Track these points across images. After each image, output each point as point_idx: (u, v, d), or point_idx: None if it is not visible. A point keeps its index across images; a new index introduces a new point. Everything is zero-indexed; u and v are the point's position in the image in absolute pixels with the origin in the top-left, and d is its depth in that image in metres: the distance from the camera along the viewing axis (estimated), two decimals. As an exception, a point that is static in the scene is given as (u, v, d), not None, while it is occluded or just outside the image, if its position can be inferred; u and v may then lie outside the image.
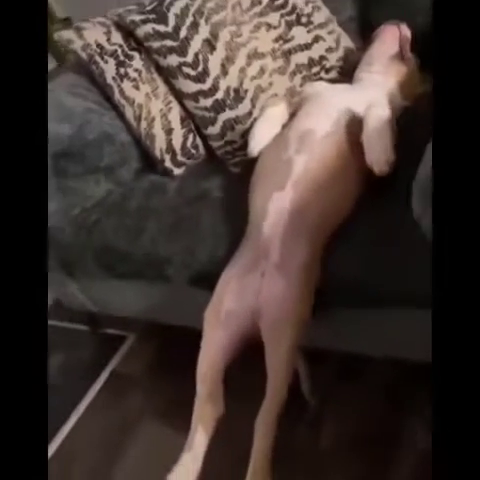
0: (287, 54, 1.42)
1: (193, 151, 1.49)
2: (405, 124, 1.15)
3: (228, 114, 1.36)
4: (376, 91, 1.23)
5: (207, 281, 1.19)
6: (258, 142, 1.22)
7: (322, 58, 1.44)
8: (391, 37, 1.33)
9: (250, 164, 1.34)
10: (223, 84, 1.35)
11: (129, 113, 1.45)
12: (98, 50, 1.43)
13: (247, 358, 1.07)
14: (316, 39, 1.44)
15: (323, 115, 1.15)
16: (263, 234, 1.06)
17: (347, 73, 1.43)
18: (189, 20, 1.35)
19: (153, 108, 1.45)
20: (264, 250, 1.05)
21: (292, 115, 1.25)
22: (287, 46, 1.42)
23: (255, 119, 1.36)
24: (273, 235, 1.05)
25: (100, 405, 1.63)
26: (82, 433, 1.57)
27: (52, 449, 1.54)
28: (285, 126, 1.23)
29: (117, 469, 1.42)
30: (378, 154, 1.04)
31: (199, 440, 1.04)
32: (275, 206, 1.07)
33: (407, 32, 1.33)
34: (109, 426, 1.55)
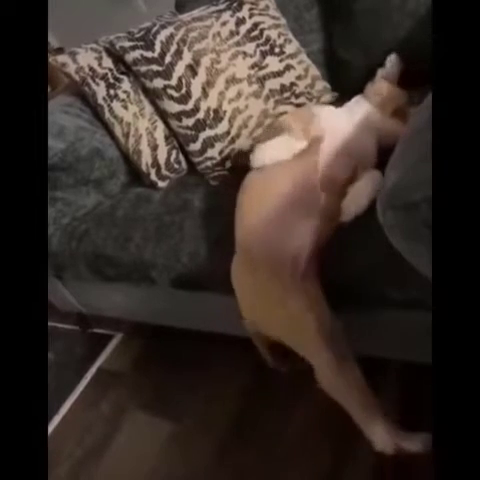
0: (261, 80, 1.46)
1: (176, 166, 1.54)
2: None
3: (208, 133, 1.41)
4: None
5: (188, 283, 1.25)
6: (262, 158, 1.23)
7: (292, 84, 1.48)
8: None
9: (227, 178, 1.42)
10: (204, 105, 1.40)
11: (118, 131, 1.51)
12: (90, 73, 1.48)
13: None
14: (287, 68, 1.48)
15: (343, 160, 1.14)
16: (288, 253, 1.04)
17: (314, 98, 1.50)
18: (174, 47, 1.39)
19: (140, 126, 1.50)
20: (291, 268, 1.04)
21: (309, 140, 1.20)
22: (261, 73, 1.46)
23: (232, 137, 1.42)
24: (298, 256, 1.04)
25: (88, 398, 1.67)
26: (70, 424, 1.61)
27: (44, 438, 1.60)
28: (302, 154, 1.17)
29: (104, 458, 1.46)
30: (352, 208, 1.06)
31: None
32: (302, 232, 1.05)
33: None
34: (96, 418, 1.59)
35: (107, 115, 1.50)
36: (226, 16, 1.50)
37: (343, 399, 1.01)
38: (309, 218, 1.06)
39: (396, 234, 0.76)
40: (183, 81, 1.40)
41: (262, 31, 1.50)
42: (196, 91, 1.40)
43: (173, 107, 1.42)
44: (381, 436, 0.99)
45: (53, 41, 2.89)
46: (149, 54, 1.40)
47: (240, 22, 1.50)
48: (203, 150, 1.44)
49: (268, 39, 1.49)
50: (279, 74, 1.49)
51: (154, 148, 1.52)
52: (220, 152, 1.44)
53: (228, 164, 1.46)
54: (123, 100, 1.50)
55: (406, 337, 1.08)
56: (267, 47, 1.49)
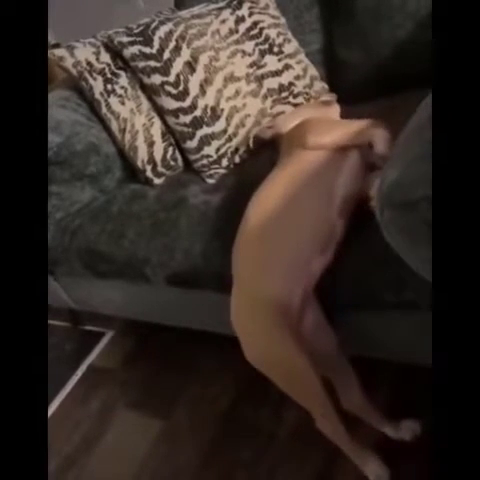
0: (260, 79, 1.46)
1: (172, 163, 1.53)
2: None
3: (205, 130, 1.40)
4: None
5: (183, 280, 1.24)
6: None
7: (291, 84, 1.48)
8: None
9: (223, 176, 1.42)
10: (201, 103, 1.39)
11: (114, 126, 1.49)
12: (88, 67, 1.46)
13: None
14: (286, 67, 1.48)
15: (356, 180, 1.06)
16: (292, 294, 0.99)
17: (312, 98, 1.49)
18: (172, 44, 1.39)
19: (137, 122, 1.49)
20: (298, 308, 1.01)
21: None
22: (260, 72, 1.46)
23: (229, 136, 1.42)
24: (308, 297, 1.02)
25: (77, 396, 1.66)
26: (60, 421, 1.60)
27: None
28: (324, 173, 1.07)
29: (92, 455, 1.45)
30: None
31: None
32: (314, 269, 1.01)
33: None
34: (85, 415, 1.58)
35: (104, 110, 1.49)
36: (226, 14, 1.50)
37: (339, 442, 1.07)
38: (325, 253, 1.01)
39: (394, 233, 0.75)
40: (181, 78, 1.39)
41: (261, 30, 1.50)
42: (194, 88, 1.40)
43: (170, 104, 1.41)
44: (374, 470, 1.07)
45: (50, 37, 2.88)
46: (147, 50, 1.39)
47: (240, 20, 1.49)
48: (200, 148, 1.43)
49: (267, 38, 1.49)
50: (277, 73, 1.48)
51: (150, 145, 1.51)
52: (217, 150, 1.43)
53: (224, 162, 1.45)
54: (120, 95, 1.48)
55: (402, 339, 1.08)
56: (266, 46, 1.49)
